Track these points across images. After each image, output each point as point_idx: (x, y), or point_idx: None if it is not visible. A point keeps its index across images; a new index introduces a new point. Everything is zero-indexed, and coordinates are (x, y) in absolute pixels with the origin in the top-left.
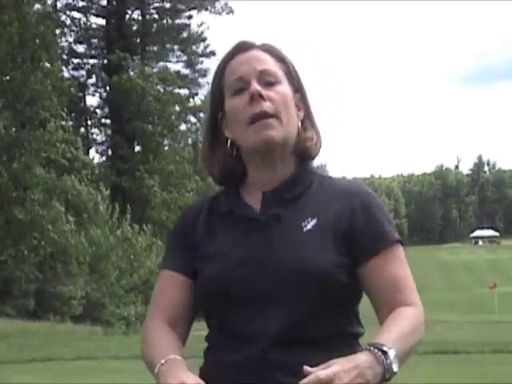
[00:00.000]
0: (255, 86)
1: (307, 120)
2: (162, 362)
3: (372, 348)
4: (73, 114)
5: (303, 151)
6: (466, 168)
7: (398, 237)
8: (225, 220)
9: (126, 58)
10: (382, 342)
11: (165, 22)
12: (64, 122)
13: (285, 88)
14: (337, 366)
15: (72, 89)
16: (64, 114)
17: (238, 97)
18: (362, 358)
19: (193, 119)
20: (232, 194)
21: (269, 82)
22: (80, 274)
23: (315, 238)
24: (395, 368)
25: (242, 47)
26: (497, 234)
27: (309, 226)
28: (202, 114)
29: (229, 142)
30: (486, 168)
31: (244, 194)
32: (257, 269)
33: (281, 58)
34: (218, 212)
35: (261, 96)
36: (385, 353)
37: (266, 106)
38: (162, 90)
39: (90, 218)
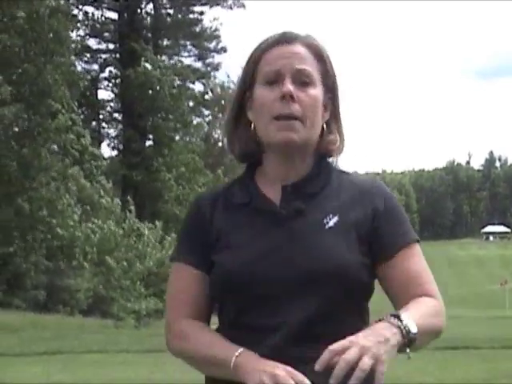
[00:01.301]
0: (288, 86)
1: (333, 122)
2: (237, 354)
3: (383, 317)
4: (84, 108)
5: (324, 153)
6: (477, 164)
7: (417, 236)
8: (244, 212)
9: (145, 49)
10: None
11: (177, 16)
12: (74, 115)
13: (317, 91)
14: (351, 337)
15: (83, 82)
16: (75, 107)
17: (269, 89)
18: (375, 325)
19: (206, 112)
20: (249, 185)
21: (303, 81)
22: (87, 267)
23: (338, 237)
24: (413, 328)
25: (285, 38)
26: (508, 229)
27: (331, 223)
28: (213, 107)
29: (252, 125)
30: (498, 164)
31: (261, 184)
32: (279, 263)
33: (321, 57)
34: (236, 203)
35: (292, 97)
36: (397, 316)
37: (295, 108)
38: (176, 84)
39: (95, 211)
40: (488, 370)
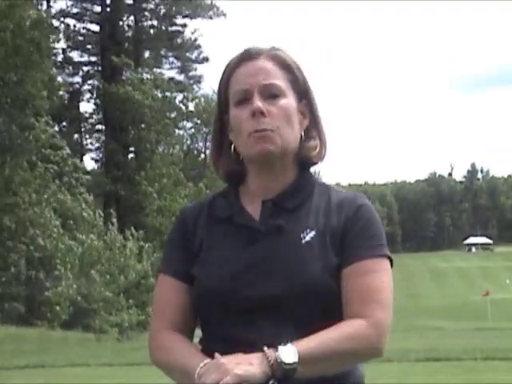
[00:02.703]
0: (257, 103)
1: (313, 127)
2: (201, 365)
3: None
4: (65, 121)
5: (305, 160)
6: (459, 175)
7: (387, 253)
8: (224, 226)
9: (128, 64)
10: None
11: (159, 28)
12: (49, 128)
13: (288, 101)
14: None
15: (63, 92)
16: (49, 120)
17: (241, 108)
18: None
19: (188, 124)
20: (232, 199)
21: (272, 94)
22: (69, 280)
23: (314, 251)
24: (288, 359)
25: (248, 56)
26: (490, 241)
27: (307, 238)
28: (196, 119)
29: (232, 146)
30: (480, 175)
31: (244, 200)
32: (256, 280)
33: (287, 66)
34: (217, 217)
35: (262, 113)
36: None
37: (267, 122)
38: (157, 97)
39: (77, 224)
40: (470, 382)
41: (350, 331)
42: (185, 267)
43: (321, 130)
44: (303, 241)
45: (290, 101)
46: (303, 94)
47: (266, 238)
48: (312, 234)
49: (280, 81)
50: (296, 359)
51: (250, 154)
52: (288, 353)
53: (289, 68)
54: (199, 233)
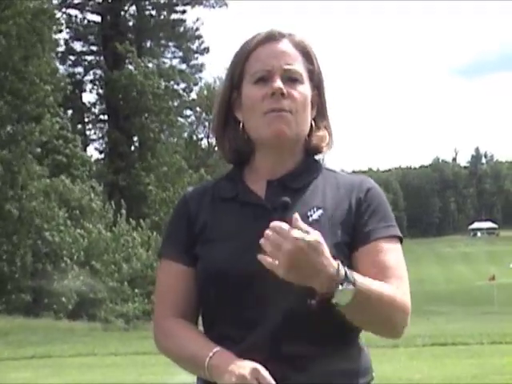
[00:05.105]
0: (279, 83)
1: (321, 118)
2: (210, 355)
3: (341, 265)
4: (69, 111)
5: (313, 150)
6: (463, 160)
7: (399, 233)
8: (229, 205)
9: (129, 50)
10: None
11: (160, 17)
12: (60, 120)
13: (306, 88)
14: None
15: (65, 83)
16: (61, 112)
17: (259, 87)
18: (331, 262)
19: (189, 112)
20: (236, 180)
21: (292, 78)
22: (76, 270)
23: (321, 229)
24: (356, 278)
25: (273, 36)
26: (495, 225)
27: (315, 216)
28: (197, 108)
29: (241, 124)
30: (484, 160)
31: (248, 180)
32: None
33: (307, 54)
34: (222, 197)
35: (282, 94)
36: (347, 277)
37: (286, 103)
38: (160, 86)
39: (84, 215)
40: (477, 366)
41: (392, 296)
42: (187, 250)
43: (328, 122)
44: (310, 219)
45: (306, 88)
46: (316, 84)
47: (272, 215)
48: (319, 212)
49: (300, 67)
50: (361, 281)
51: (263, 134)
52: (357, 276)
53: (308, 56)
54: (202, 215)
